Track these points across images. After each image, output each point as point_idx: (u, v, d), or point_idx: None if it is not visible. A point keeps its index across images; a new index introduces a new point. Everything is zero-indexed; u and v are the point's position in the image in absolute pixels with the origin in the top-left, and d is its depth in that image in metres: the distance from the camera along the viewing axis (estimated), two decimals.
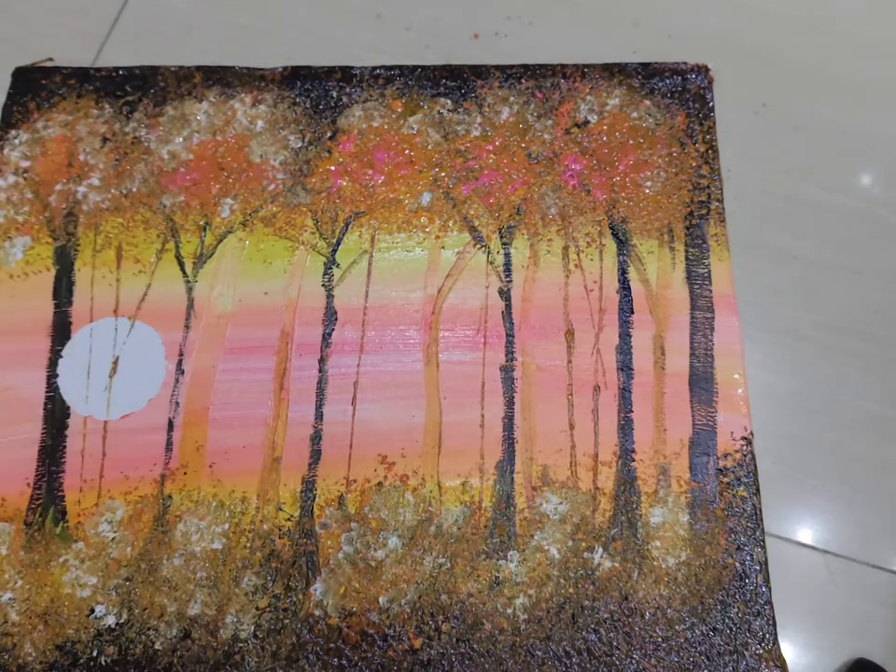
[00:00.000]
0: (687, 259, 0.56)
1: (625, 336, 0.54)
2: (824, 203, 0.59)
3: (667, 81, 0.61)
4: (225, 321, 0.55)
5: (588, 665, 0.47)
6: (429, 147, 0.59)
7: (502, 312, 0.55)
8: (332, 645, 0.48)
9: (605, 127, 0.59)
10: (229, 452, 0.52)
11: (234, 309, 0.55)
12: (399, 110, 0.60)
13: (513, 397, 0.53)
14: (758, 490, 0.50)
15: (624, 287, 0.55)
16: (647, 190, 0.58)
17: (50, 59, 0.62)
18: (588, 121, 0.60)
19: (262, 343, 0.54)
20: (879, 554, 0.51)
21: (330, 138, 0.59)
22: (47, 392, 0.53)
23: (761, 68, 0.63)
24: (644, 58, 0.62)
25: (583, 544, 0.49)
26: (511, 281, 0.56)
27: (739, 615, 0.48)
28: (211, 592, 0.49)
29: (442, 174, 0.58)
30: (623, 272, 0.56)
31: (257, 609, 0.48)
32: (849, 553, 0.51)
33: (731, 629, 0.47)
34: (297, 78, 0.61)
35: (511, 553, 0.49)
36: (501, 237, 0.57)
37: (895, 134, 0.61)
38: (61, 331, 0.54)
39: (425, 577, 0.49)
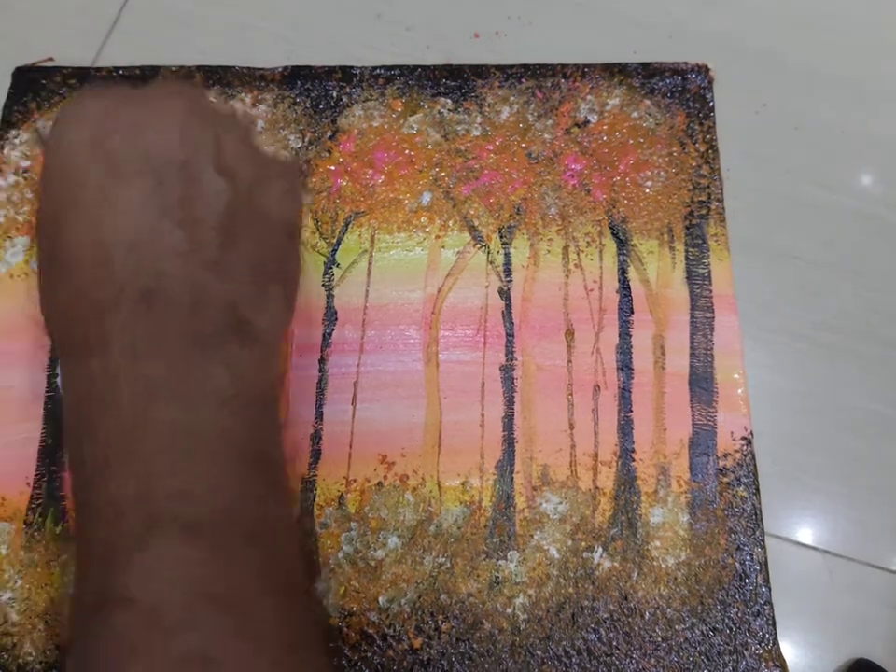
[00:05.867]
0: (687, 258, 0.56)
1: (625, 336, 0.54)
2: (824, 203, 0.59)
3: (667, 81, 0.61)
4: None
5: (588, 665, 0.47)
6: (429, 146, 0.59)
7: (502, 311, 0.55)
8: (332, 645, 0.48)
9: (605, 127, 0.59)
10: None
11: None
12: (399, 110, 0.60)
13: (513, 396, 0.53)
14: (758, 490, 0.50)
15: (624, 286, 0.55)
16: (647, 190, 0.58)
17: (50, 59, 0.62)
18: (588, 121, 0.60)
19: None
20: (879, 554, 0.51)
21: (330, 138, 0.59)
22: (47, 392, 0.53)
23: (761, 68, 0.63)
24: (644, 58, 0.62)
25: (583, 544, 0.49)
26: (510, 281, 0.56)
27: (739, 615, 0.48)
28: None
29: (442, 173, 0.58)
30: (622, 271, 0.56)
31: None
32: (849, 553, 0.51)
33: (731, 629, 0.47)
34: (297, 78, 0.61)
35: (510, 552, 0.49)
36: (501, 237, 0.57)
37: (895, 134, 0.61)
38: None
39: (424, 576, 0.49)
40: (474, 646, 0.47)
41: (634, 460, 0.51)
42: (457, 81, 0.61)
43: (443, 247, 0.56)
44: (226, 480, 0.32)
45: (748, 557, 0.49)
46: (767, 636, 0.47)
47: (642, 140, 0.59)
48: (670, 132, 0.59)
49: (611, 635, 0.48)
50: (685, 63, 0.61)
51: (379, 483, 0.51)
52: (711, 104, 0.60)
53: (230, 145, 0.33)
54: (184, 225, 0.31)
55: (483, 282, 0.56)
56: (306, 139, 0.59)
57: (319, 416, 0.52)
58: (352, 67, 0.61)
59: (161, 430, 0.30)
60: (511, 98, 0.60)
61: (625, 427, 0.52)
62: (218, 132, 0.33)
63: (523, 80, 0.61)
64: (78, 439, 0.31)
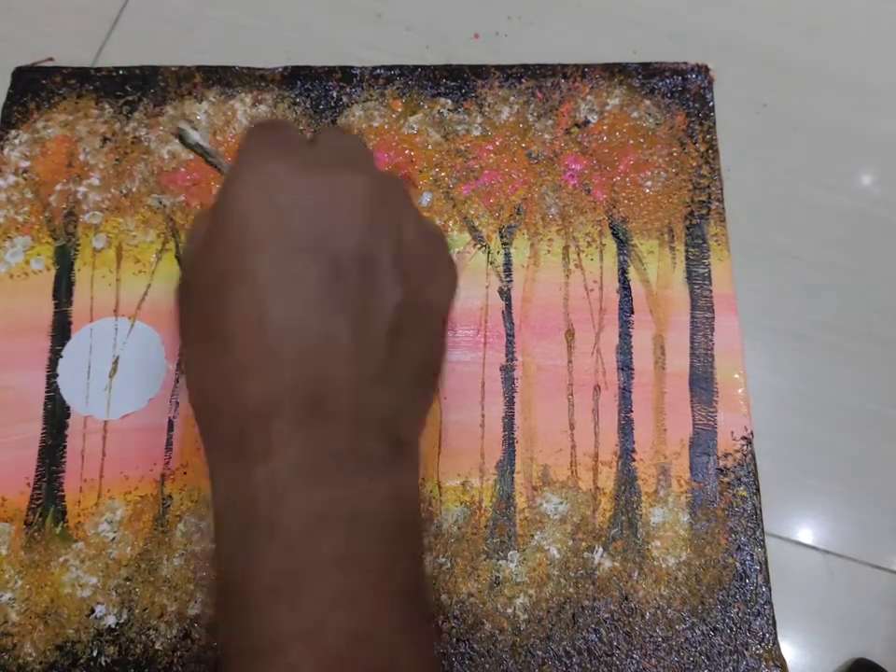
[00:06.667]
0: (687, 258, 0.56)
1: (625, 336, 0.54)
2: (824, 203, 0.59)
3: (667, 81, 0.61)
4: None
5: (588, 665, 0.47)
6: (429, 146, 0.59)
7: (502, 312, 0.55)
8: None
9: (605, 127, 0.59)
10: None
11: None
12: (400, 110, 0.60)
13: (514, 397, 0.53)
14: (758, 490, 0.50)
15: (624, 286, 0.55)
16: (647, 190, 0.58)
17: (50, 59, 0.62)
18: (588, 121, 0.60)
19: None
20: (879, 554, 0.51)
21: None
22: (47, 392, 0.53)
23: (761, 68, 0.63)
24: (644, 58, 0.62)
25: (584, 544, 0.49)
26: (511, 281, 0.56)
27: (739, 615, 0.48)
28: (211, 592, 0.49)
29: (442, 174, 0.58)
30: (623, 271, 0.56)
31: None
32: (849, 552, 0.51)
33: (731, 629, 0.47)
34: (297, 78, 0.61)
35: (511, 552, 0.49)
36: (501, 237, 0.57)
37: (895, 134, 0.61)
38: (61, 331, 0.54)
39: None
40: (475, 646, 0.47)
41: (634, 460, 0.51)
42: (457, 81, 0.61)
43: None
44: (392, 621, 0.29)
45: (748, 557, 0.49)
46: (767, 635, 0.47)
47: (642, 140, 0.59)
48: (670, 132, 0.59)
49: (612, 635, 0.48)
50: (685, 63, 0.61)
51: None
52: (711, 104, 0.60)
53: (408, 233, 0.31)
54: (356, 325, 0.28)
55: (483, 282, 0.56)
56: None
57: None
58: (352, 67, 0.61)
59: (330, 563, 0.27)
60: (511, 98, 0.60)
61: (626, 428, 0.52)
62: (399, 219, 0.30)
63: (523, 80, 0.61)
64: (238, 558, 0.28)
